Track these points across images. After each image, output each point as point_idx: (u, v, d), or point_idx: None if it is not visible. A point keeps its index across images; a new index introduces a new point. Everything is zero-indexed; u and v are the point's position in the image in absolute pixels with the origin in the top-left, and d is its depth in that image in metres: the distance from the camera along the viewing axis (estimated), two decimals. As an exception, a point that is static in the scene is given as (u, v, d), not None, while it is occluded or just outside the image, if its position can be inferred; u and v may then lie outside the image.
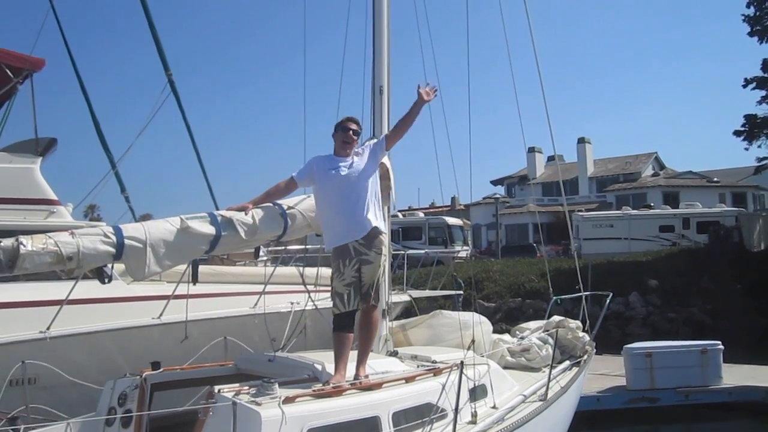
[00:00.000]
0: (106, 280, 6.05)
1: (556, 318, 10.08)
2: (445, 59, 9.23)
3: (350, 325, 6.31)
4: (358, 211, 6.33)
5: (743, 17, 30.55)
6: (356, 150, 6.68)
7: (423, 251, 23.89)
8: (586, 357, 9.59)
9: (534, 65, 10.20)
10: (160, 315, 9.21)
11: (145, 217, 14.99)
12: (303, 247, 14.82)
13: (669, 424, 13.43)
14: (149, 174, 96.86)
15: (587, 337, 9.88)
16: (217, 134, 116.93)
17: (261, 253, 11.70)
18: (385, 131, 7.69)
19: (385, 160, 7.26)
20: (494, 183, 64.22)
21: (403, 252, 14.49)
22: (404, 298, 12.34)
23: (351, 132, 6.53)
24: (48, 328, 8.28)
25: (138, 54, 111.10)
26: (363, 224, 6.33)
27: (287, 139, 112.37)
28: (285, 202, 6.84)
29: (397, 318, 10.39)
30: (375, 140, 7.33)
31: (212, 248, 6.19)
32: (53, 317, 8.24)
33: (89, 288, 8.60)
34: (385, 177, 7.31)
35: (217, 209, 6.75)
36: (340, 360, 6.06)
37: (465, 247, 38.87)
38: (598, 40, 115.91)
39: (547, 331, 9.50)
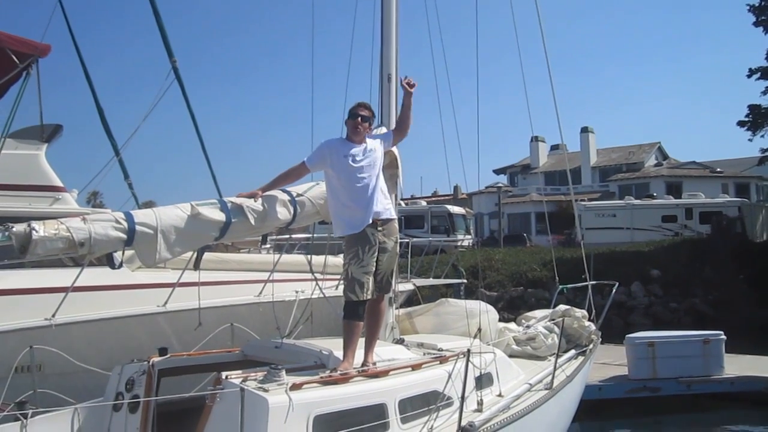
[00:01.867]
0: (117, 266, 6.05)
1: (561, 307, 10.11)
2: (452, 48, 9.22)
3: (362, 313, 6.26)
4: (374, 198, 6.33)
5: (748, 7, 30.42)
6: (370, 136, 6.68)
7: (426, 240, 23.86)
8: (591, 346, 9.62)
9: (538, 55, 10.23)
10: (165, 302, 9.23)
11: (148, 204, 14.98)
12: (308, 235, 14.86)
13: (671, 414, 13.41)
14: (152, 160, 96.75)
15: (593, 326, 9.90)
16: (222, 119, 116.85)
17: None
18: (394, 119, 7.70)
19: (393, 148, 7.26)
20: (497, 172, 64.12)
21: (407, 240, 14.46)
22: (408, 286, 12.37)
23: (360, 118, 6.47)
24: (53, 315, 8.30)
25: (142, 39, 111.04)
26: (380, 211, 6.36)
27: (293, 126, 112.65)
28: (294, 189, 6.84)
29: (400, 307, 10.42)
30: (384, 129, 7.35)
31: (222, 235, 6.20)
32: (58, 304, 8.25)
33: (94, 275, 8.62)
34: (393, 165, 7.33)
35: (221, 197, 6.76)
36: (349, 348, 6.07)
37: (467, 236, 38.83)
38: (602, 29, 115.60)
39: (553, 320, 9.54)
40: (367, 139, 6.59)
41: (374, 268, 6.30)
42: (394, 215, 6.59)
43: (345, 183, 6.38)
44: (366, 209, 6.31)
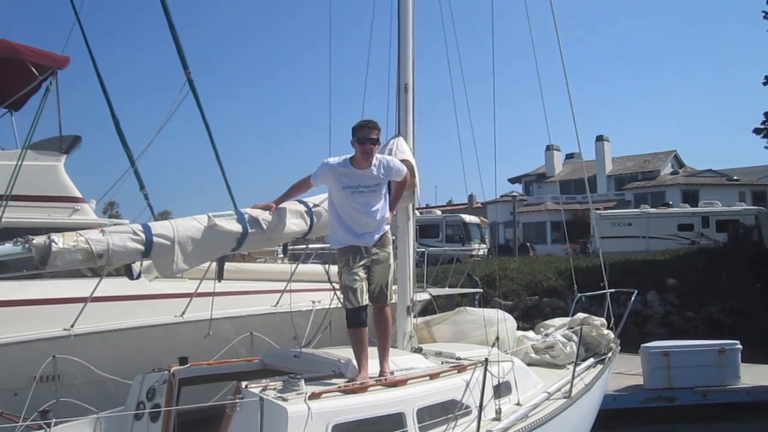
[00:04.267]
0: (135, 277, 6.11)
1: (580, 315, 10.07)
2: (466, 56, 9.25)
3: (364, 319, 6.25)
4: (372, 225, 6.33)
5: (764, 14, 30.27)
6: (378, 158, 6.47)
7: (441, 249, 23.84)
8: (610, 354, 9.59)
9: (553, 64, 10.21)
10: (183, 312, 9.27)
11: (164, 215, 15.08)
12: (324, 245, 14.88)
13: (686, 424, 13.35)
14: (167, 170, 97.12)
15: (612, 335, 9.87)
16: (237, 127, 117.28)
17: (279, 251, 11.74)
18: (411, 129, 7.77)
19: (410, 157, 7.29)
20: (512, 181, 63.96)
21: (423, 249, 14.47)
22: (424, 296, 12.37)
23: (368, 143, 6.25)
24: (72, 326, 8.35)
25: (157, 48, 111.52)
26: (374, 235, 6.35)
27: (308, 135, 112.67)
28: (311, 200, 6.89)
29: (417, 316, 10.44)
30: (401, 140, 7.41)
31: (239, 246, 6.25)
32: (77, 315, 8.31)
33: (112, 285, 8.68)
34: (410, 175, 7.35)
35: (236, 208, 6.80)
36: (361, 356, 6.10)
37: (482, 245, 38.74)
38: (617, 38, 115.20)
39: (572, 328, 9.50)
40: (374, 159, 6.39)
41: (365, 276, 6.28)
42: (386, 228, 6.53)
43: (344, 212, 6.34)
44: (359, 238, 6.31)
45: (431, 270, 16.01)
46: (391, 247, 6.50)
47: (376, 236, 6.36)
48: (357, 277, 6.24)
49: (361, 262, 6.27)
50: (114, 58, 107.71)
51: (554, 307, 24.91)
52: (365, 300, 6.25)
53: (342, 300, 6.33)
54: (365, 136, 6.22)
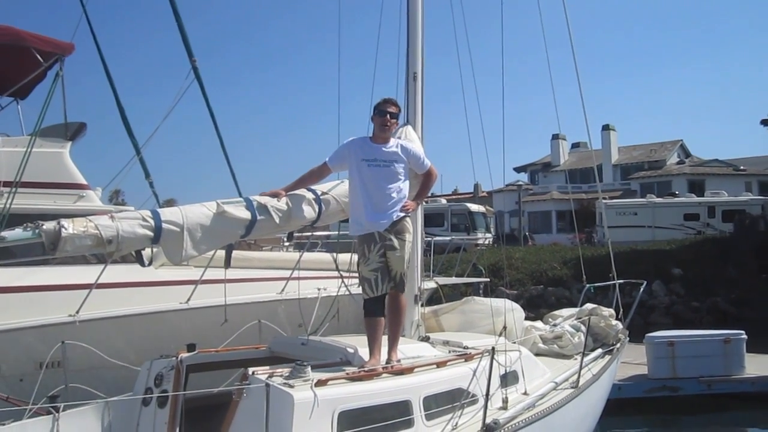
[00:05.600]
0: (146, 263, 6.11)
1: (588, 306, 10.07)
2: (474, 44, 9.22)
3: (380, 309, 6.35)
4: (387, 202, 6.34)
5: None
6: (397, 140, 6.68)
7: (448, 238, 23.80)
8: (618, 345, 9.58)
9: (561, 54, 10.18)
10: (188, 300, 9.29)
11: (169, 203, 15.03)
12: (329, 233, 14.86)
13: (690, 414, 13.33)
14: (172, 157, 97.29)
15: (620, 325, 9.87)
16: (244, 115, 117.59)
17: (284, 239, 11.70)
18: (419, 117, 7.75)
19: (419, 146, 7.29)
20: (517, 170, 63.77)
21: (429, 239, 14.44)
22: (431, 285, 12.36)
23: (389, 115, 6.46)
24: (77, 312, 8.37)
25: (163, 35, 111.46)
26: (390, 216, 6.35)
27: (316, 123, 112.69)
28: (319, 187, 6.87)
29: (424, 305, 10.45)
30: (409, 128, 7.40)
31: (248, 233, 6.24)
32: (82, 301, 8.32)
33: (118, 272, 8.69)
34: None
35: (240, 195, 6.79)
36: (374, 344, 6.13)
37: (488, 234, 38.69)
38: (623, 26, 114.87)
39: (580, 318, 9.50)
40: (393, 140, 6.60)
41: (384, 266, 6.32)
42: (403, 214, 6.52)
43: (360, 186, 6.41)
44: (375, 214, 6.33)
45: (437, 259, 16.00)
46: (408, 235, 6.48)
47: (391, 216, 6.35)
48: (373, 268, 6.30)
49: (376, 250, 6.31)
50: (119, 46, 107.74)
51: (559, 297, 24.96)
52: (381, 290, 6.30)
53: (349, 288, 6.33)
54: (384, 109, 6.45)
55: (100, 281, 8.30)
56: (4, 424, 5.34)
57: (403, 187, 6.49)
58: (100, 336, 8.08)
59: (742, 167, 50.39)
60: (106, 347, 7.30)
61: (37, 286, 8.67)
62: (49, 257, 5.34)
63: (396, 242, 6.36)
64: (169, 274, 9.50)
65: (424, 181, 6.92)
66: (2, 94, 11.01)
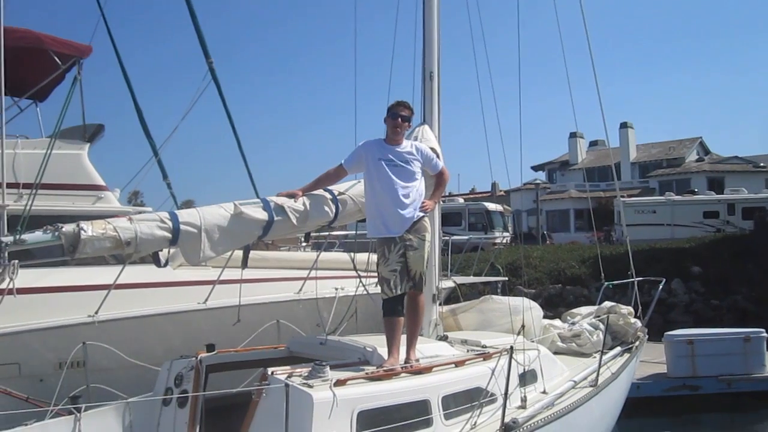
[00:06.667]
0: (163, 265, 6.14)
1: (607, 304, 10.04)
2: (491, 44, 9.21)
3: (399, 309, 6.37)
4: (404, 205, 6.35)
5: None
6: (410, 141, 6.75)
7: (466, 237, 23.76)
8: (637, 343, 9.54)
9: (578, 51, 10.15)
10: (206, 300, 9.32)
11: (187, 204, 15.10)
12: (346, 232, 14.87)
13: (710, 413, 13.21)
14: (191, 159, 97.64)
15: (639, 323, 9.82)
16: (260, 114, 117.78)
17: (302, 239, 11.71)
18: (436, 117, 7.76)
19: (436, 145, 7.29)
20: (535, 168, 63.50)
21: (447, 238, 14.42)
22: (449, 284, 12.35)
23: (400, 119, 6.54)
24: (96, 312, 8.42)
25: (180, 34, 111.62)
26: (409, 218, 6.38)
27: (332, 124, 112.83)
28: (336, 187, 6.89)
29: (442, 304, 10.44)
30: (426, 127, 7.41)
31: (265, 234, 6.27)
32: (101, 301, 8.37)
33: (136, 273, 8.73)
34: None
35: (257, 195, 6.80)
36: (392, 344, 6.15)
37: (505, 233, 38.58)
38: (641, 23, 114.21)
39: (598, 316, 9.47)
40: (406, 141, 6.67)
41: (403, 265, 6.33)
42: (422, 214, 6.55)
43: (377, 188, 6.45)
44: (394, 218, 6.36)
45: (455, 258, 15.98)
46: (427, 234, 6.52)
47: (410, 219, 6.38)
48: (392, 269, 6.32)
49: (396, 251, 6.34)
50: (136, 47, 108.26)
51: (577, 296, 24.85)
52: (400, 290, 6.32)
53: (367, 288, 6.34)
54: (397, 112, 6.54)
55: (118, 282, 8.34)
56: (26, 425, 5.39)
57: (419, 187, 6.53)
58: (119, 336, 8.13)
59: (761, 164, 49.91)
60: (124, 348, 7.36)
61: (56, 287, 8.72)
62: (68, 258, 5.36)
63: (416, 242, 6.38)
64: (187, 274, 9.54)
65: (437, 182, 6.97)
66: (21, 96, 11.06)
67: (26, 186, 8.72)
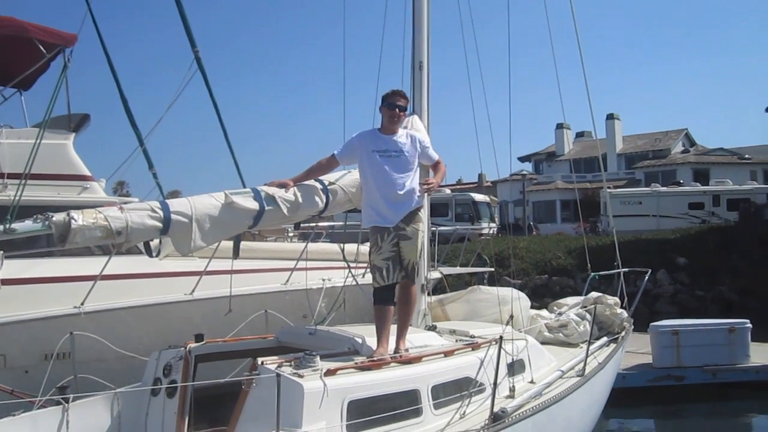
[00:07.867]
0: (154, 255, 6.12)
1: (594, 294, 10.08)
2: (480, 35, 9.19)
3: (390, 298, 6.39)
4: (398, 195, 6.35)
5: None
6: (405, 130, 6.73)
7: (452, 228, 23.76)
8: (623, 333, 9.59)
9: (565, 43, 10.16)
10: (192, 291, 9.30)
11: (174, 194, 15.01)
12: (332, 223, 14.84)
13: (695, 403, 13.34)
14: (177, 149, 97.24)
15: (625, 314, 9.88)
16: (248, 105, 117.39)
17: (291, 229, 11.67)
18: (425, 106, 7.75)
19: (425, 135, 7.28)
20: (522, 159, 63.53)
21: (434, 228, 14.43)
22: (435, 274, 12.36)
23: (398, 109, 6.51)
24: (82, 303, 8.38)
25: (165, 24, 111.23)
26: (405, 208, 6.39)
27: (320, 114, 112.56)
28: (326, 177, 6.89)
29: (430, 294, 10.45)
30: (416, 117, 7.41)
31: (255, 223, 6.26)
32: (87, 292, 8.33)
33: (123, 264, 8.71)
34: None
35: (244, 186, 6.79)
36: (382, 333, 6.16)
37: (492, 224, 38.63)
38: (627, 14, 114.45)
39: (585, 307, 9.51)
40: (401, 131, 6.64)
41: (396, 255, 6.35)
42: (420, 203, 6.58)
43: (371, 179, 6.44)
44: (390, 207, 6.36)
45: (442, 249, 15.99)
46: (421, 224, 6.54)
47: (405, 210, 6.39)
48: (385, 257, 6.34)
49: (389, 240, 6.35)
50: (123, 38, 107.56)
51: (564, 286, 24.91)
52: (392, 279, 6.33)
53: (356, 278, 6.34)
54: (394, 102, 6.48)
55: (105, 273, 8.30)
56: (14, 415, 5.36)
57: (414, 177, 6.52)
58: (105, 327, 8.09)
59: (747, 156, 50.15)
60: (111, 338, 7.33)
61: (42, 278, 8.69)
62: (54, 248, 5.33)
63: (409, 231, 6.40)
64: (173, 265, 9.50)
65: (436, 170, 6.97)
66: (5, 85, 10.99)
67: (11, 176, 8.66)
